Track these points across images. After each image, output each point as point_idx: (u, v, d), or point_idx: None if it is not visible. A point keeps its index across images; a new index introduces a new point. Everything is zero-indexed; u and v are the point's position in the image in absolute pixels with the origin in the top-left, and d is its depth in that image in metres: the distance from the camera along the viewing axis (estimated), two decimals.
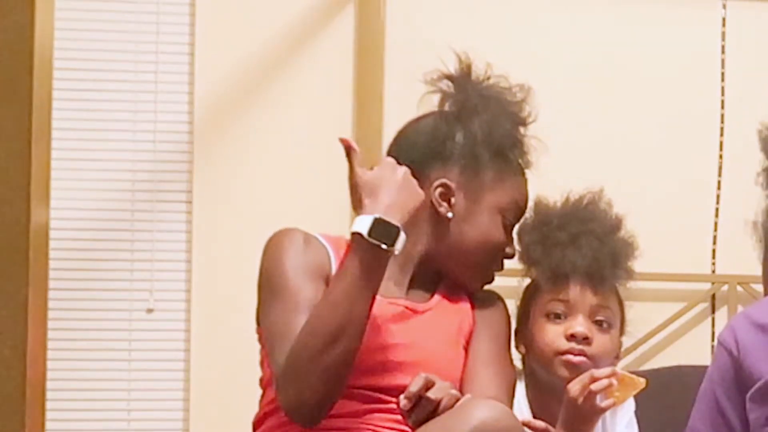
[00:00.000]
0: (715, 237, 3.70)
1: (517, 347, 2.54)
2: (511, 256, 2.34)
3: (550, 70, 3.64)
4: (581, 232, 2.49)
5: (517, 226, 2.47)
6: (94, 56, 3.61)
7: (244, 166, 3.58)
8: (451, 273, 2.29)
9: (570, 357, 2.42)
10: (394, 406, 2.08)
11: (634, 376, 2.36)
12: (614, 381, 2.30)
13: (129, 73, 3.61)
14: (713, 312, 3.70)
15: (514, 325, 2.53)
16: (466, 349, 2.26)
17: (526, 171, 2.37)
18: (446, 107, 2.31)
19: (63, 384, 3.54)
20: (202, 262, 3.57)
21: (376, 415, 2.10)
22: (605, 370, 2.32)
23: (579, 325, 2.44)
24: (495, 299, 2.36)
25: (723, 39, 3.72)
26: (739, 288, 3.64)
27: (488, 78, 2.32)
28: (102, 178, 3.60)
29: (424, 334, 2.19)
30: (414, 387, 2.00)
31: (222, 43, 3.59)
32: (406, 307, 2.21)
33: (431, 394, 2.00)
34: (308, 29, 3.61)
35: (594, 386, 2.28)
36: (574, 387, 2.31)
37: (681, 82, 3.71)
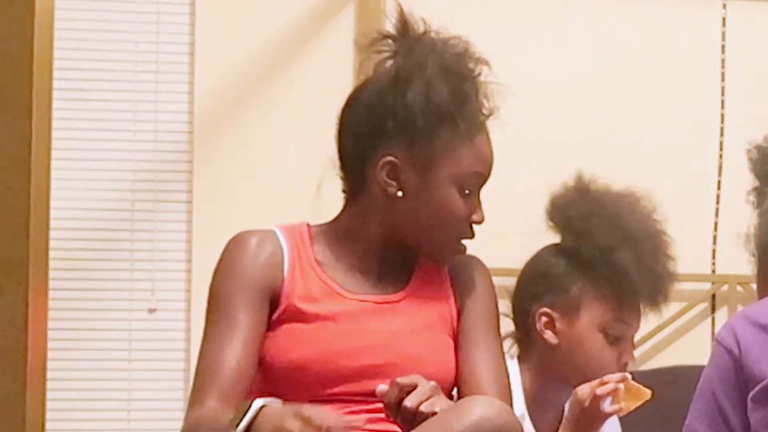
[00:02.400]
0: (715, 237, 3.70)
1: (541, 331, 2.51)
2: (480, 222, 2.15)
3: (551, 70, 3.64)
4: (670, 268, 2.50)
5: (560, 197, 2.50)
6: (94, 56, 3.61)
7: (244, 166, 3.58)
8: (419, 250, 2.16)
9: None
10: (377, 405, 2.03)
11: (641, 386, 2.37)
12: (621, 386, 2.31)
13: (129, 73, 3.62)
14: (713, 312, 3.71)
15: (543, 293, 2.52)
16: (454, 333, 2.15)
17: (487, 124, 2.15)
18: (379, 69, 2.13)
19: (63, 384, 3.54)
20: (203, 262, 3.56)
21: (360, 416, 2.05)
22: (615, 376, 2.33)
23: (630, 352, 2.49)
24: (474, 268, 2.20)
25: (723, 39, 3.72)
26: (739, 288, 3.64)
27: (426, 33, 2.14)
28: (102, 178, 3.60)
29: (399, 328, 2.09)
30: (387, 398, 1.93)
31: (222, 43, 3.60)
32: (376, 302, 2.10)
33: (408, 402, 1.92)
34: (308, 29, 3.61)
35: (600, 390, 2.29)
36: (583, 390, 2.32)
37: (681, 82, 3.71)
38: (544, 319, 2.52)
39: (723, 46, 3.72)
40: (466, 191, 2.11)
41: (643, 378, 3.28)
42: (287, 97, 3.59)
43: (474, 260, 2.21)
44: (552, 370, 2.50)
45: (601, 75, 3.69)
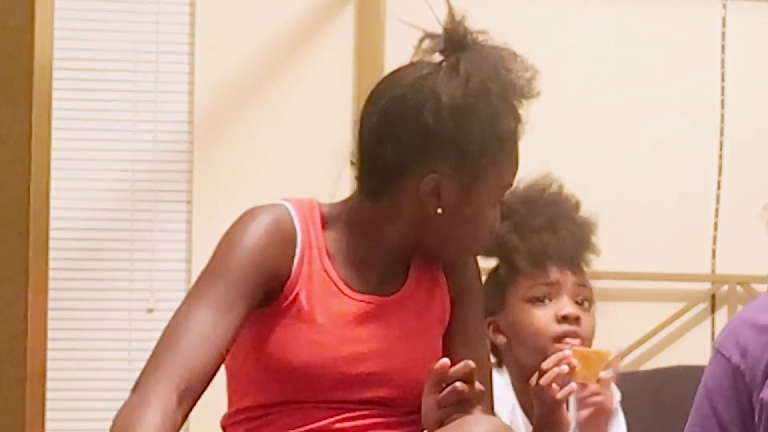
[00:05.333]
0: (715, 237, 3.70)
1: (493, 339, 2.51)
2: (497, 228, 2.12)
3: (551, 70, 3.63)
4: (555, 216, 2.49)
5: None
6: (94, 56, 3.61)
7: (244, 166, 3.58)
8: (433, 255, 2.11)
9: (566, 344, 2.39)
10: (373, 412, 1.99)
11: (598, 349, 2.33)
12: (565, 367, 2.26)
13: (129, 73, 3.62)
14: (713, 312, 3.71)
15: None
16: (445, 324, 2.12)
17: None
18: (444, 87, 2.00)
19: (63, 384, 3.54)
20: (202, 262, 3.55)
21: (351, 423, 1.99)
22: (553, 359, 2.29)
23: (567, 306, 2.44)
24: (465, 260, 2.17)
25: (723, 39, 3.72)
26: (739, 288, 3.64)
27: (484, 44, 2.05)
28: (102, 178, 3.60)
29: (397, 334, 2.04)
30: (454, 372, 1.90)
31: (222, 43, 3.60)
32: (377, 303, 2.05)
33: (434, 396, 1.90)
34: (308, 29, 3.61)
35: (543, 380, 2.26)
36: (532, 381, 2.30)
37: (681, 81, 3.71)
38: (491, 328, 2.53)
39: (723, 46, 3.72)
40: (497, 202, 2.09)
41: (643, 378, 3.30)
42: (287, 97, 3.59)
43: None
44: (521, 369, 2.49)
45: (601, 75, 3.69)
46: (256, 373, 2.01)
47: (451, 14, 2.07)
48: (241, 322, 1.93)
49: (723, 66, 3.72)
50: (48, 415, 3.50)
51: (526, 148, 3.64)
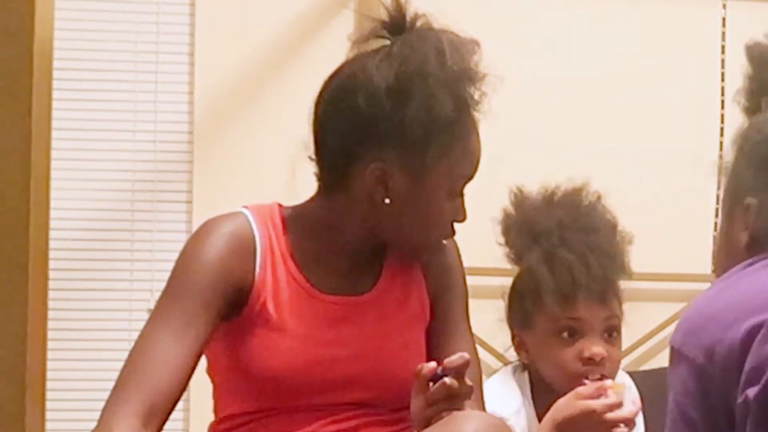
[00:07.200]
0: (715, 237, 3.70)
1: (517, 352, 2.49)
2: (463, 221, 2.04)
3: (549, 69, 3.64)
4: (588, 249, 2.43)
5: (503, 227, 2.46)
6: (94, 56, 3.61)
7: (244, 166, 3.58)
8: (396, 248, 2.06)
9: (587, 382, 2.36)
10: (359, 412, 1.98)
11: (616, 382, 2.33)
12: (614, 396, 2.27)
13: (129, 73, 3.61)
14: None
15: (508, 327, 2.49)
16: (427, 319, 2.09)
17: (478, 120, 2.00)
18: (376, 70, 1.96)
19: (63, 384, 3.53)
20: None
21: (338, 426, 1.97)
22: (592, 391, 2.25)
23: (595, 345, 2.39)
24: (444, 249, 2.11)
25: (723, 39, 3.72)
26: None
27: (424, 27, 1.98)
28: (102, 178, 3.60)
29: (374, 333, 2.01)
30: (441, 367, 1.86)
31: (222, 43, 3.59)
32: (348, 304, 2.01)
33: (424, 395, 1.87)
34: (308, 29, 3.61)
35: (612, 417, 2.22)
36: (595, 405, 2.24)
37: (681, 81, 3.71)
38: (515, 341, 2.51)
39: (723, 46, 3.72)
40: (454, 194, 2.01)
41: (643, 378, 3.29)
42: (287, 97, 3.59)
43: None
44: (545, 384, 2.47)
45: (601, 75, 3.69)
46: (235, 382, 1.99)
47: (391, 9, 2.03)
48: (205, 339, 1.91)
49: (723, 66, 3.72)
50: (48, 415, 3.50)
51: (527, 148, 3.65)
